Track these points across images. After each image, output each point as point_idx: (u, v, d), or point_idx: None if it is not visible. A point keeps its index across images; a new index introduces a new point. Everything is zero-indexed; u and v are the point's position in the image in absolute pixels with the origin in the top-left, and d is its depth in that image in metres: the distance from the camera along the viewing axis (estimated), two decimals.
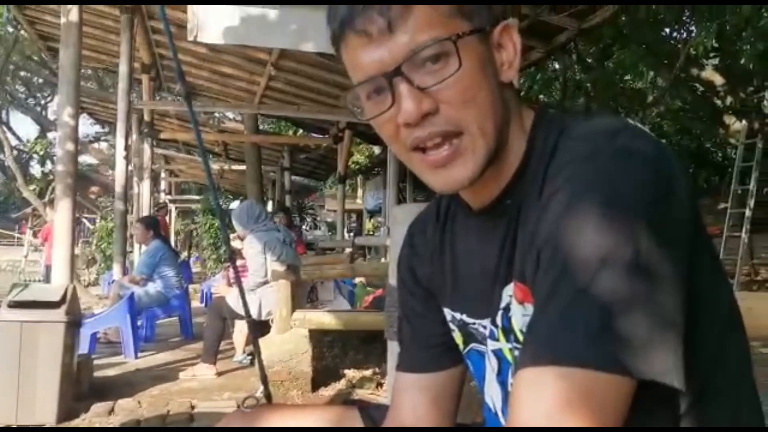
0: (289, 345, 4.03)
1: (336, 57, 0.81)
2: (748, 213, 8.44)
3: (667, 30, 10.36)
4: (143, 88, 10.02)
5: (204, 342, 4.67)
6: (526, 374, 0.61)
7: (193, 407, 3.65)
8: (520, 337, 0.77)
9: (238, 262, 3.95)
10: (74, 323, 3.57)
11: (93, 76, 21.54)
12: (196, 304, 7.56)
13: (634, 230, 0.62)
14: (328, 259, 6.62)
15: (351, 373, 4.28)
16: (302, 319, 4.07)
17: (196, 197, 17.11)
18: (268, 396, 2.83)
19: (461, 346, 0.94)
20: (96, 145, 27.56)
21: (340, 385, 4.11)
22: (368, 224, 20.25)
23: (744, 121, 9.19)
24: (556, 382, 0.58)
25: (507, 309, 0.79)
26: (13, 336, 3.34)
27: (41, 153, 22.79)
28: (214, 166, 13.71)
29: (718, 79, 9.45)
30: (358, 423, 1.01)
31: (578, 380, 0.58)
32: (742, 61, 9.32)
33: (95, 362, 4.50)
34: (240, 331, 4.82)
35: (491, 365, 0.85)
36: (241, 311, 3.46)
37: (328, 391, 4.02)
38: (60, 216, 4.11)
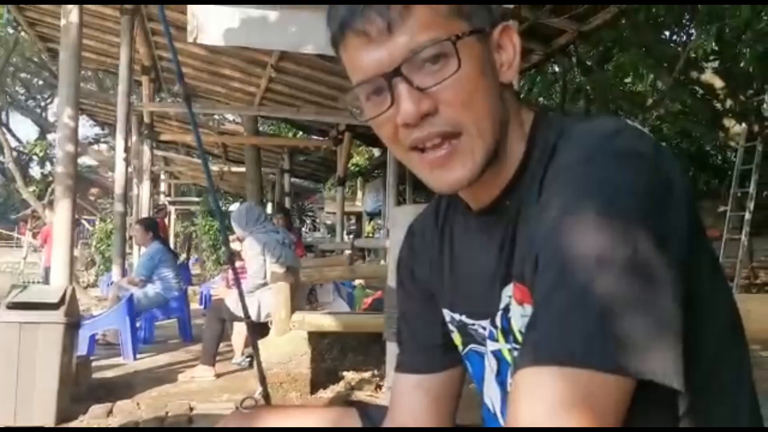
0: (288, 347, 4.03)
1: (336, 58, 0.81)
2: (747, 216, 8.44)
3: (667, 33, 10.38)
4: (143, 89, 10.02)
5: (203, 344, 4.66)
6: (524, 374, 0.61)
7: (191, 409, 3.65)
8: (519, 338, 0.77)
9: (237, 264, 3.95)
10: (73, 325, 3.57)
11: (93, 77, 21.54)
12: (195, 305, 7.56)
13: (633, 231, 0.62)
14: (328, 261, 6.62)
15: (350, 375, 4.28)
16: (301, 321, 4.07)
17: (196, 199, 17.11)
18: (266, 397, 2.83)
19: (460, 347, 0.94)
20: (96, 146, 27.53)
21: (339, 387, 4.11)
22: (368, 227, 20.25)
23: (744, 124, 9.19)
24: (555, 383, 0.58)
25: (506, 310, 0.79)
26: (12, 337, 3.34)
27: (41, 154, 22.75)
28: (214, 168, 13.71)
29: (718, 82, 9.46)
30: (357, 423, 1.01)
31: (577, 380, 0.58)
32: (742, 64, 9.32)
33: (94, 364, 4.50)
34: (239, 332, 4.82)
35: (490, 366, 0.85)
36: (240, 313, 3.46)
37: (327, 393, 4.02)
38: (59, 217, 4.10)
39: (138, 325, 5.58)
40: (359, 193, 21.42)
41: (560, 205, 0.67)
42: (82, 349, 4.42)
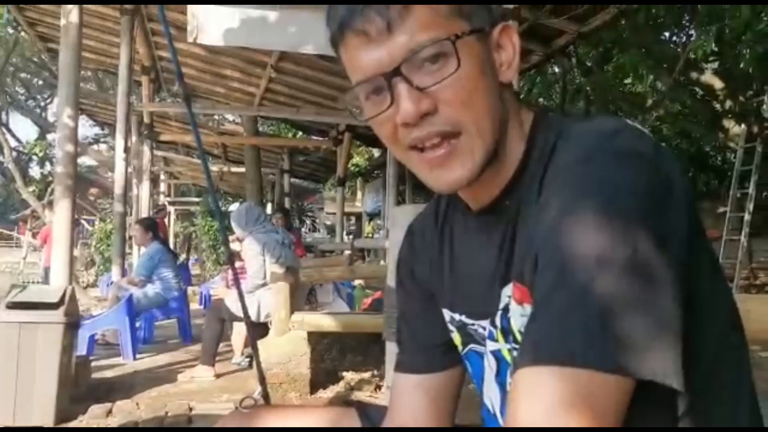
0: (287, 347, 4.03)
1: (335, 58, 0.81)
2: (747, 217, 8.45)
3: (667, 34, 10.39)
4: (143, 89, 10.02)
5: (202, 344, 4.66)
6: (524, 374, 0.60)
7: (191, 409, 3.64)
8: (519, 338, 0.76)
9: (237, 264, 3.95)
10: (73, 324, 3.57)
11: (93, 77, 21.53)
12: (194, 306, 7.55)
13: (633, 231, 0.62)
14: (327, 262, 6.62)
15: (349, 376, 4.28)
16: (301, 321, 4.07)
17: (196, 199, 17.09)
18: (266, 397, 2.83)
19: (460, 347, 0.93)
20: (95, 146, 27.53)
21: (338, 387, 4.11)
22: (367, 227, 20.25)
23: (743, 125, 9.20)
24: (554, 382, 0.58)
25: (506, 310, 0.79)
26: (12, 337, 3.34)
27: (41, 154, 22.77)
28: (214, 168, 13.73)
29: (718, 83, 9.47)
30: (357, 423, 1.01)
31: (577, 380, 0.57)
32: (742, 65, 9.34)
33: (93, 364, 4.50)
34: (238, 333, 4.82)
35: (490, 366, 0.85)
36: (239, 313, 3.46)
37: (326, 394, 4.02)
38: (59, 217, 4.10)
39: (137, 325, 5.58)
40: (359, 194, 21.43)
41: (560, 204, 0.67)
42: (81, 349, 4.42)
